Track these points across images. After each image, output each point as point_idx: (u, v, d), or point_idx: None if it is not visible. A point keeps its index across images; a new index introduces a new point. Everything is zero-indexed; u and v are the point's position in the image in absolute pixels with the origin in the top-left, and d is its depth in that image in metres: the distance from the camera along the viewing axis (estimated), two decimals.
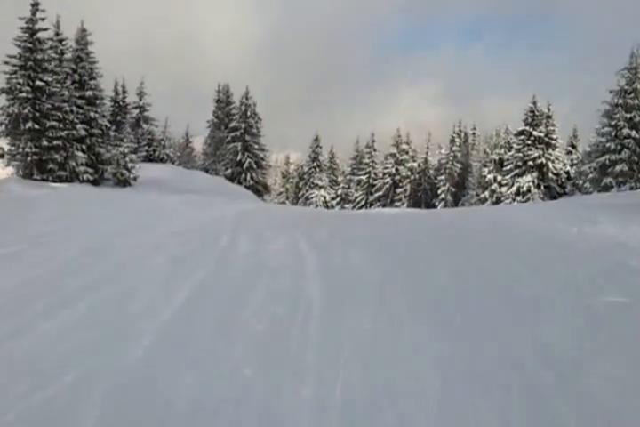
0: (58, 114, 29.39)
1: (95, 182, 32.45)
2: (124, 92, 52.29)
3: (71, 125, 30.19)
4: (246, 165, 51.99)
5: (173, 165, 47.55)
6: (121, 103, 51.32)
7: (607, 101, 41.33)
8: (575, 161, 56.15)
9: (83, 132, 31.12)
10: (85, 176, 31.15)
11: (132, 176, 34.94)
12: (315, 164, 75.04)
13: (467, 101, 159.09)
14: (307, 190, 74.56)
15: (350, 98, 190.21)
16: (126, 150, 34.56)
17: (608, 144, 37.91)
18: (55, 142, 29.34)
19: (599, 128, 41.16)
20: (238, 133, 52.30)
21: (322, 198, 72.75)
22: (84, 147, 31.10)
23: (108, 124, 34.76)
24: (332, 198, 73.35)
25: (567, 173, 54.85)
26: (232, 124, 52.84)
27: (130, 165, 34.70)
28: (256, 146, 53.33)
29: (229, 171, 51.95)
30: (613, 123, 40.15)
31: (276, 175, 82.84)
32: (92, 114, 32.14)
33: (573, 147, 57.37)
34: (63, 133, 29.65)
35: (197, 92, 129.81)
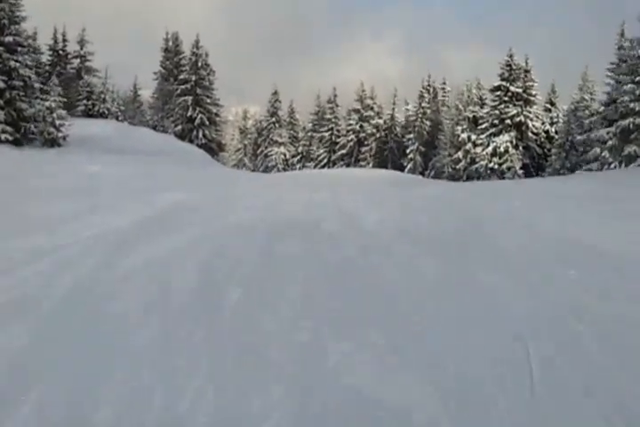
0: None
1: (17, 142, 27.57)
2: (65, 40, 46.78)
3: None
4: (198, 121, 46.98)
5: (116, 121, 42.35)
6: (60, 52, 45.86)
7: (624, 53, 34.28)
8: (555, 119, 52.43)
9: (0, 85, 25.99)
10: (3, 136, 26.18)
11: (60, 135, 30.05)
12: (274, 119, 70.18)
13: (431, 55, 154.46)
14: (265, 147, 69.81)
15: (310, 50, 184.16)
16: (53, 105, 29.59)
17: (632, 105, 31.30)
18: None
19: (615, 85, 34.19)
20: (189, 86, 47.12)
21: (282, 156, 68.21)
22: (0, 102, 25.96)
23: (33, 76, 29.54)
24: (293, 156, 68.77)
25: (547, 132, 51.09)
26: (182, 77, 47.57)
27: (58, 122, 29.79)
28: (208, 100, 48.23)
29: (179, 127, 46.92)
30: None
31: (234, 131, 77.70)
32: (12, 63, 27.03)
33: (552, 104, 53.42)
34: None
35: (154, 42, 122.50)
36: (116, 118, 43.64)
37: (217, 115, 50.39)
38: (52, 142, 29.51)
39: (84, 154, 27.99)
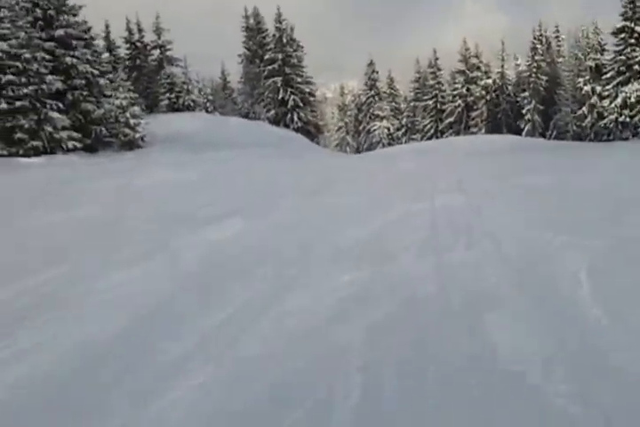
0: (16, 64, 21.97)
1: (89, 148, 25.41)
2: (140, 30, 44.75)
3: (38, 78, 22.79)
4: (291, 103, 44.17)
5: (204, 113, 40.05)
6: (138, 44, 43.91)
7: None
8: None
9: (57, 86, 23.76)
10: (71, 143, 23.98)
11: (138, 135, 27.87)
12: (372, 92, 66.43)
13: (533, 7, 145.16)
14: (367, 123, 66.27)
15: (402, 16, 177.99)
16: (124, 102, 27.41)
17: None
18: (19, 103, 22.07)
19: None
20: (276, 66, 44.32)
21: (385, 130, 64.51)
22: (60, 105, 23.73)
23: (96, 71, 27.29)
24: (397, 129, 64.89)
25: None
26: (267, 56, 44.65)
27: (133, 121, 27.63)
28: (299, 79, 45.25)
29: (272, 112, 44.19)
30: None
31: (334, 109, 74.48)
32: (68, 59, 24.74)
33: None
34: (28, 90, 22.32)
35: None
36: (206, 110, 41.44)
37: (311, 94, 47.40)
38: (130, 144, 27.41)
39: (166, 154, 25.65)
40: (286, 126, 42.98)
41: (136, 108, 28.27)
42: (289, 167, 20.63)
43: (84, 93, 25.79)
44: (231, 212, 10.68)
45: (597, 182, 12.58)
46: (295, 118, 44.17)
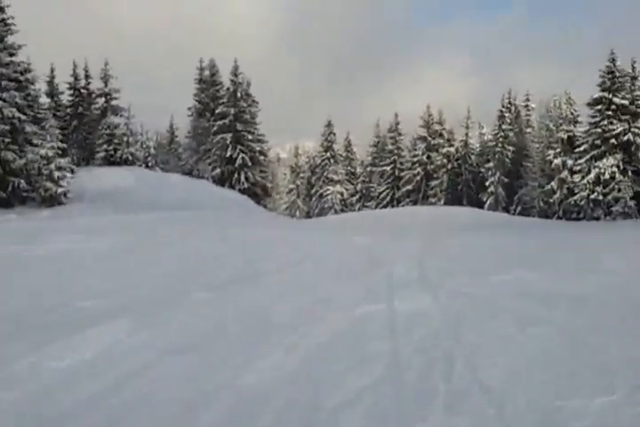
0: None
1: (5, 203, 21.37)
2: (87, 77, 41.07)
3: None
4: (239, 161, 40.34)
5: (141, 168, 35.96)
6: (82, 91, 40.07)
7: None
8: None
9: None
10: None
11: (60, 191, 23.75)
12: (328, 154, 63.49)
13: (502, 76, 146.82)
14: (320, 186, 62.92)
15: (367, 83, 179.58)
16: (50, 153, 23.38)
17: None
18: None
19: None
20: (227, 121, 40.62)
21: (338, 196, 61.36)
22: None
23: (23, 117, 23.51)
24: (352, 195, 61.84)
25: None
26: (219, 110, 40.98)
27: (57, 173, 23.54)
28: (250, 137, 41.61)
29: (218, 171, 40.16)
30: None
31: (287, 170, 71.22)
32: None
33: None
34: None
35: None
36: (146, 165, 37.27)
37: (262, 153, 43.81)
38: (51, 200, 23.35)
39: (88, 215, 21.87)
40: (232, 187, 39.08)
41: (62, 160, 24.40)
42: (223, 237, 17.12)
43: (7, 140, 21.94)
44: (120, 309, 7.43)
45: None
46: (242, 178, 40.31)
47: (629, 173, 40.68)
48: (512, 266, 11.72)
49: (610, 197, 40.56)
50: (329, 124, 64.06)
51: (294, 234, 19.87)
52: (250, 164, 40.87)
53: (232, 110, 40.71)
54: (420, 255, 13.42)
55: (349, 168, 63.96)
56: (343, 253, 13.90)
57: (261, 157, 42.93)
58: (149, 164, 38.78)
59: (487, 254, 14.26)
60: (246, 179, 40.74)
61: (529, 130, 52.03)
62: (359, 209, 59.68)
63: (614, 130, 40.57)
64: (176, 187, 32.84)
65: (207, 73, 43.82)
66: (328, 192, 61.68)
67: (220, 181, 39.51)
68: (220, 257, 13.18)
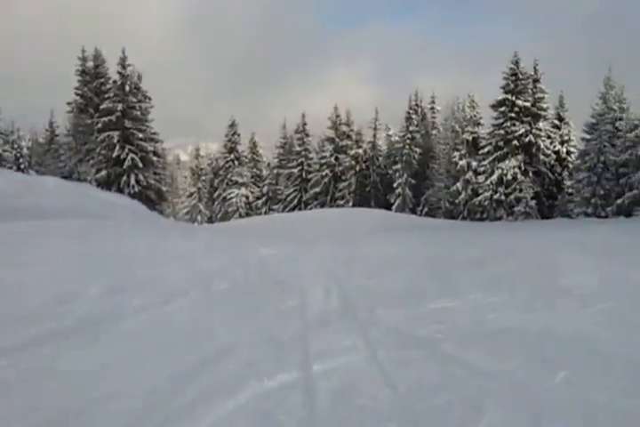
0: None
1: None
2: None
3: None
4: (128, 163, 37.79)
5: (9, 171, 33.15)
6: None
7: None
8: (566, 137, 44.18)
9: None
10: None
11: None
12: (232, 156, 61.63)
13: (407, 81, 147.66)
14: (224, 189, 60.92)
15: (277, 82, 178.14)
16: None
17: None
18: None
19: None
20: (114, 118, 38.00)
21: (243, 199, 59.40)
22: None
23: None
24: (257, 198, 59.83)
25: (557, 153, 42.72)
26: (104, 106, 38.38)
27: None
28: (141, 135, 39.12)
29: (103, 173, 37.50)
30: None
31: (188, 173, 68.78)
32: None
33: (561, 120, 45.09)
34: None
35: None
36: (17, 167, 34.38)
37: (156, 154, 41.31)
38: None
39: None
40: (120, 191, 36.57)
41: None
42: (82, 253, 14.33)
43: None
44: None
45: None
46: (132, 181, 37.81)
47: (530, 173, 40.64)
48: (455, 284, 9.51)
49: (512, 197, 40.30)
50: (232, 125, 62.17)
51: (187, 244, 17.44)
52: (141, 165, 38.41)
53: (119, 106, 38.16)
54: (337, 270, 11.71)
55: (255, 170, 62.02)
56: (245, 271, 11.79)
57: (155, 158, 40.45)
58: (22, 166, 35.92)
59: (416, 266, 12.16)
60: (137, 182, 38.31)
61: (435, 132, 51.45)
62: (265, 212, 57.93)
63: (516, 131, 40.42)
64: (51, 192, 30.09)
65: (91, 64, 40.66)
66: (232, 195, 59.74)
67: (106, 184, 36.90)
68: (64, 286, 8.13)
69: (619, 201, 31.98)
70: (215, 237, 22.73)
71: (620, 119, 35.75)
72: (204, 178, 65.13)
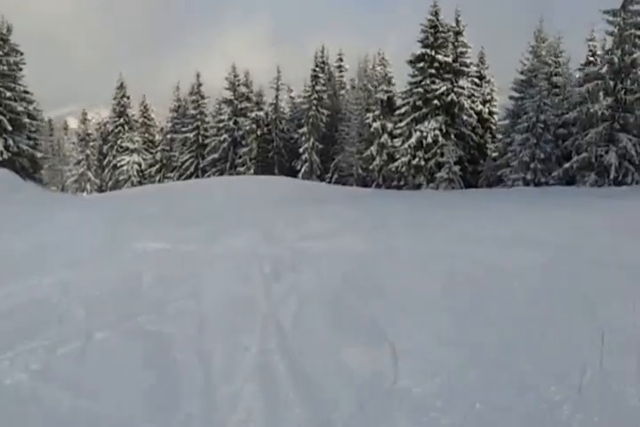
0: None
1: None
2: None
3: None
4: None
5: None
6: None
7: None
8: (488, 97, 40.16)
9: None
10: None
11: None
12: (122, 120, 54.69)
13: (307, 41, 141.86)
14: (114, 156, 54.08)
15: (172, 42, 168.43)
16: None
17: None
18: None
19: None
20: None
21: (135, 166, 52.98)
22: None
23: None
24: (151, 165, 53.41)
25: (478, 113, 38.52)
26: None
27: None
28: (9, 94, 32.12)
29: None
30: None
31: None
32: None
33: (481, 78, 40.85)
34: None
35: None
36: None
37: (31, 116, 34.50)
38: None
39: None
40: None
41: None
42: None
43: None
44: None
45: None
46: (0, 147, 31.03)
47: (452, 136, 36.24)
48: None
49: (432, 162, 35.96)
50: (121, 86, 55.12)
51: (36, 231, 11.62)
52: (10, 128, 31.58)
53: None
54: (272, 296, 6.36)
55: (147, 135, 55.47)
56: (104, 292, 6.36)
57: (27, 121, 33.59)
58: None
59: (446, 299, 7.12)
60: (6, 147, 31.49)
61: (343, 92, 46.37)
62: (160, 180, 51.77)
63: (437, 89, 35.83)
64: None
65: None
66: (123, 162, 53.20)
67: None
68: None
69: (566, 165, 27.80)
70: (88, 214, 16.56)
71: (557, 74, 31.71)
72: (92, 144, 57.93)
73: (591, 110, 26.10)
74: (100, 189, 55.31)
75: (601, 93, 26.91)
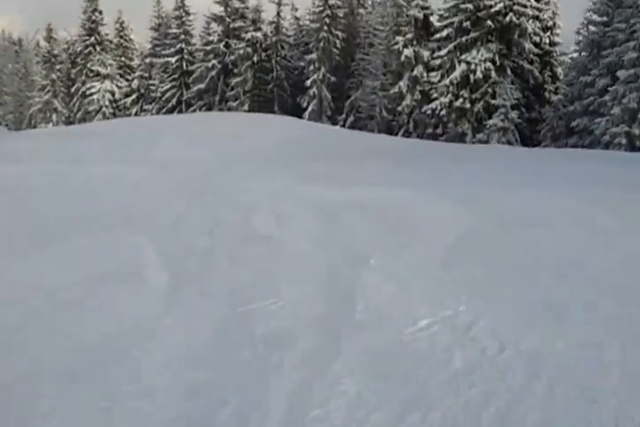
0: None
1: None
2: None
3: None
4: None
5: None
6: None
7: None
8: (550, 22, 29.99)
9: None
10: None
11: None
12: (93, 39, 44.40)
13: None
14: (83, 82, 44.06)
15: None
16: None
17: None
18: None
19: None
20: None
21: (108, 95, 43.27)
22: None
23: None
24: (126, 95, 43.49)
25: (537, 44, 28.40)
26: None
27: None
28: None
29: None
30: None
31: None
32: None
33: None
34: None
35: None
36: None
37: None
38: None
39: None
40: None
41: None
42: None
43: None
44: None
45: None
46: None
47: (509, 71, 26.56)
48: None
49: (481, 105, 26.46)
50: None
51: None
52: None
53: None
54: None
55: (124, 59, 45.28)
56: None
57: None
58: None
59: None
60: None
61: (362, 11, 35.88)
62: (137, 113, 42.18)
63: (492, 6, 25.89)
64: None
65: None
66: (93, 90, 43.46)
67: None
68: None
69: None
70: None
71: None
72: (58, 67, 47.42)
73: None
74: (69, 122, 45.52)
75: None
